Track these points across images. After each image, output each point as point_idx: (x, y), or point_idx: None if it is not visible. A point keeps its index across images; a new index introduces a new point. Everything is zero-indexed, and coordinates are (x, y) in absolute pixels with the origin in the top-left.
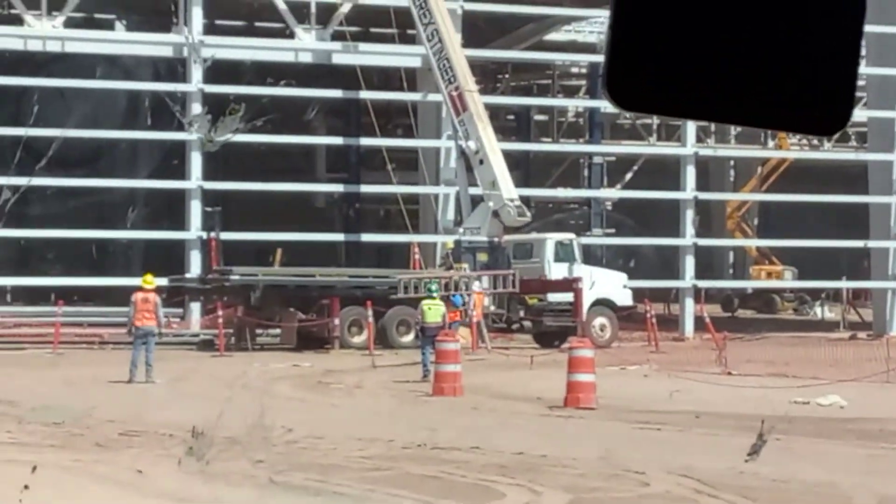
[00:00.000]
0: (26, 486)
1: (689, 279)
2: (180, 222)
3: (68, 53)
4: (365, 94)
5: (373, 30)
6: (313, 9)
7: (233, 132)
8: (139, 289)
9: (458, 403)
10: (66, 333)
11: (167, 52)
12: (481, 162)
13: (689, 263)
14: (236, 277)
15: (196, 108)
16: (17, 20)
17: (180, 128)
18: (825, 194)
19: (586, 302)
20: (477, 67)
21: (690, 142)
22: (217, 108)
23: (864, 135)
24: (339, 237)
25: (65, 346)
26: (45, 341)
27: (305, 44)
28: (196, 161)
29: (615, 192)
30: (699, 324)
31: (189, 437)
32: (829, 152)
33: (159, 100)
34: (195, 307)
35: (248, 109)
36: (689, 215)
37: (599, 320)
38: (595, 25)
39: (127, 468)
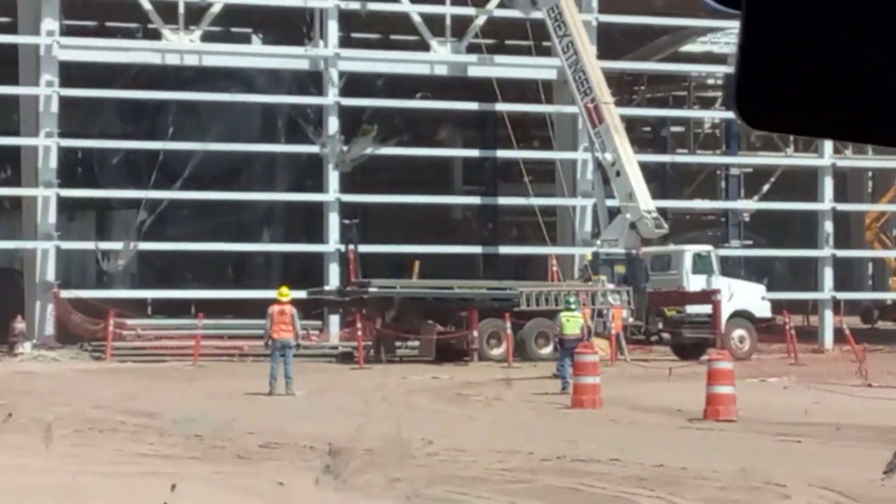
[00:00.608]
0: (174, 486)
1: (827, 291)
2: (318, 235)
3: (205, 67)
4: (501, 107)
5: (508, 42)
6: (448, 21)
7: (365, 152)
8: (275, 301)
9: (597, 415)
10: (206, 346)
11: (303, 65)
12: (618, 174)
13: (828, 275)
14: (375, 290)
15: (332, 121)
16: (155, 35)
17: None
18: None
19: (725, 314)
20: (612, 79)
21: (828, 153)
22: (353, 122)
23: None
24: (476, 249)
25: (205, 359)
26: (186, 354)
27: (441, 56)
28: (333, 174)
29: (752, 204)
30: (838, 336)
31: (327, 453)
32: None
33: (295, 114)
34: (334, 319)
35: (383, 123)
36: (828, 226)
37: (738, 332)
38: (730, 36)
39: (268, 481)
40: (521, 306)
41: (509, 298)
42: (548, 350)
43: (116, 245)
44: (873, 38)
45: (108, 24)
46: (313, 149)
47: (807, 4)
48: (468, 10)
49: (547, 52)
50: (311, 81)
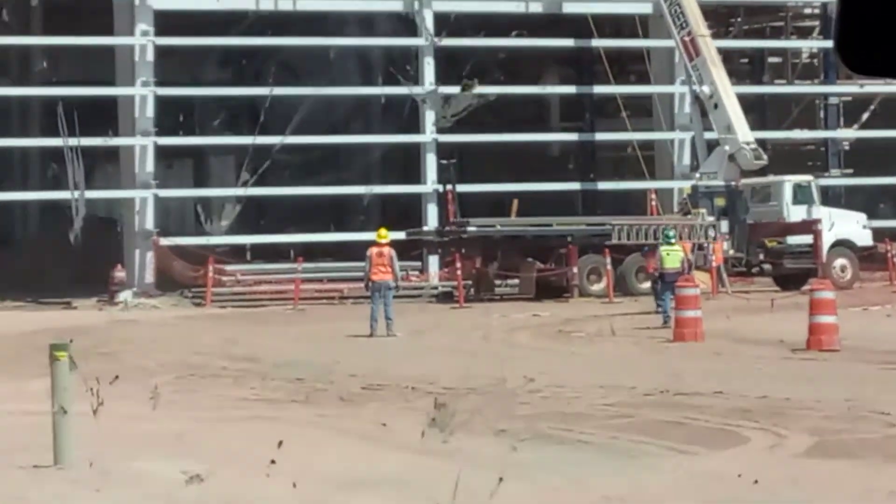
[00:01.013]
0: (280, 443)
1: None
2: (416, 176)
3: (299, 12)
4: (597, 42)
5: None
6: None
7: (466, 108)
8: (374, 243)
9: (699, 349)
10: (306, 290)
11: (397, 7)
12: (716, 106)
13: None
14: (473, 229)
15: (429, 63)
16: None
17: (414, 82)
18: None
19: (826, 243)
20: (709, 12)
21: None
22: (448, 64)
23: None
24: (574, 186)
25: (305, 303)
26: (286, 298)
27: None
28: (430, 115)
29: (851, 133)
30: None
31: (432, 406)
32: None
33: (391, 57)
34: (433, 260)
35: (478, 64)
36: None
37: (840, 261)
38: None
39: (371, 422)
40: (612, 240)
41: (608, 234)
42: (648, 284)
43: (213, 192)
44: None
45: None
46: (412, 89)
47: None
48: None
49: None
50: (405, 27)
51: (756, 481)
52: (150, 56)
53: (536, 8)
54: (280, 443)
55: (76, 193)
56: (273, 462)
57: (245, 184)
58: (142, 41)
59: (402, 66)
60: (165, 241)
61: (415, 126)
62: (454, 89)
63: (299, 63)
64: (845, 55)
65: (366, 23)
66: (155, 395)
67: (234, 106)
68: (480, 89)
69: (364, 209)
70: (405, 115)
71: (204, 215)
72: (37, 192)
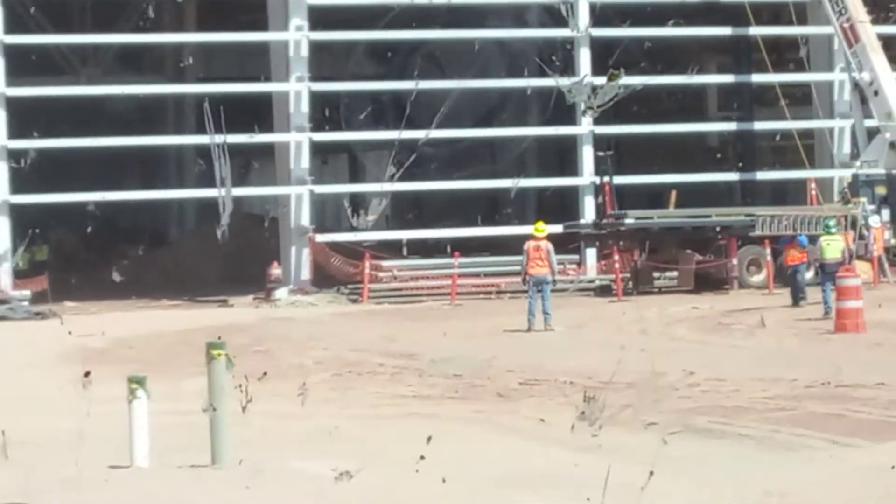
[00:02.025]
0: (429, 438)
1: None
2: (572, 169)
3: (453, 6)
4: (755, 30)
5: None
6: None
7: (612, 98)
8: (531, 237)
9: (860, 340)
10: (463, 284)
11: None
12: (876, 93)
13: None
14: (631, 221)
15: (584, 54)
16: None
17: (560, 74)
18: None
19: None
20: None
21: None
22: (604, 55)
23: None
24: (733, 176)
25: (462, 297)
26: (442, 293)
27: None
28: (590, 110)
29: None
30: None
31: (582, 400)
32: None
33: (543, 53)
34: (590, 253)
35: (634, 53)
36: None
37: None
38: None
39: (528, 418)
40: (755, 232)
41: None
42: (809, 275)
43: (368, 187)
44: None
45: None
46: (563, 82)
47: None
48: None
49: None
50: (555, 20)
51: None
52: (304, 51)
53: None
54: (429, 438)
55: (223, 190)
56: (423, 458)
57: (392, 177)
58: (297, 36)
59: (548, 57)
60: (321, 238)
61: (566, 118)
62: (601, 80)
63: (444, 55)
64: None
65: (512, 13)
66: (304, 392)
67: (381, 100)
68: (629, 79)
69: (520, 202)
70: (550, 106)
71: (350, 210)
72: (186, 189)
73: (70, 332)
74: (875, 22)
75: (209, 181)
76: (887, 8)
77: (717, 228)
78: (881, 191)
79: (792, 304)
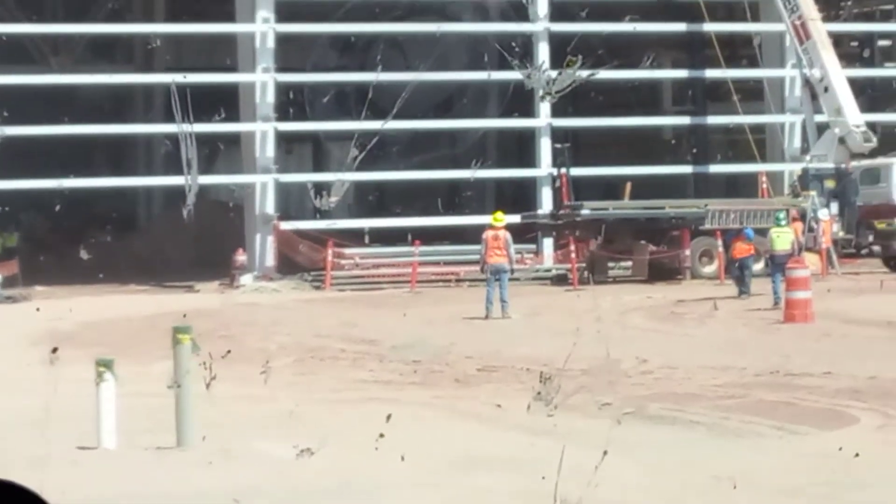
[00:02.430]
0: (389, 416)
1: None
2: (530, 161)
3: (414, 1)
4: (709, 27)
5: None
6: None
7: (570, 85)
8: (490, 226)
9: (809, 330)
10: (423, 272)
11: None
12: (826, 89)
13: None
14: (587, 212)
15: (543, 48)
16: None
17: (530, 64)
18: None
19: None
20: None
21: None
22: (560, 49)
23: None
24: (686, 169)
25: (422, 285)
26: (403, 281)
27: None
28: (544, 100)
29: None
30: None
31: (538, 381)
32: None
33: (503, 42)
34: (547, 243)
35: (590, 49)
36: None
37: None
38: None
39: (486, 403)
40: (705, 225)
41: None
42: (759, 266)
43: (331, 177)
44: None
45: None
46: (521, 76)
47: None
48: None
49: None
50: (516, 11)
51: (857, 454)
52: (270, 43)
53: None
54: (388, 416)
55: (189, 175)
56: (382, 436)
57: (354, 160)
58: (263, 28)
59: (508, 45)
60: (286, 225)
61: (525, 107)
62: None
63: (406, 43)
64: None
65: (472, 6)
66: (266, 371)
67: (344, 88)
68: (585, 70)
69: (479, 192)
70: (509, 95)
71: (314, 192)
72: (154, 176)
73: (38, 309)
74: (826, 20)
75: (177, 168)
76: (838, 6)
77: (671, 219)
78: (830, 184)
79: (737, 295)
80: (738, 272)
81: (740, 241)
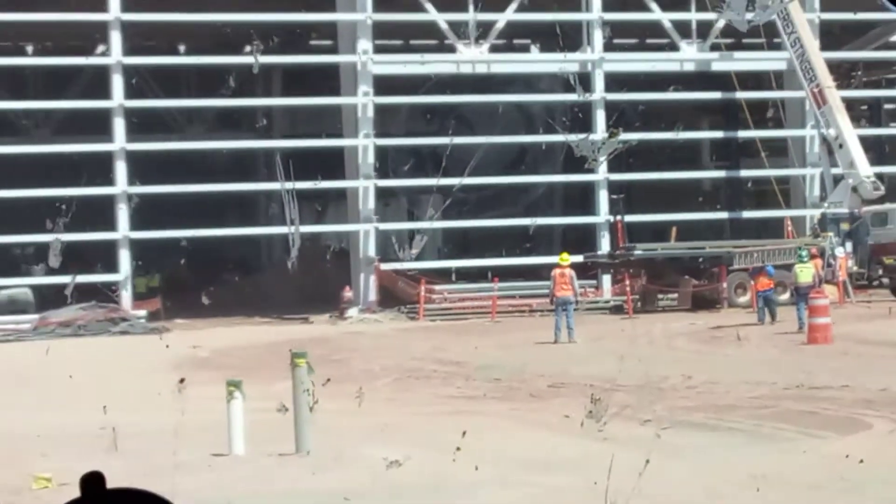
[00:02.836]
0: (464, 433)
1: None
2: (591, 208)
3: (493, 74)
4: (740, 95)
5: (744, 40)
6: (693, 25)
7: (613, 151)
8: (557, 265)
9: (829, 350)
10: (501, 305)
11: (574, 67)
12: (840, 146)
13: None
14: (639, 252)
15: (600, 114)
16: (451, 49)
17: (570, 131)
18: None
19: None
20: (833, 66)
21: None
22: (617, 112)
23: None
24: (723, 215)
25: (500, 316)
26: (484, 312)
27: (688, 55)
28: (602, 163)
29: None
30: None
31: (589, 400)
32: None
33: (567, 109)
34: (606, 278)
35: (642, 114)
36: None
37: None
38: None
39: (555, 414)
40: (734, 265)
41: (752, 254)
42: (785, 296)
43: (420, 225)
44: None
45: (412, 41)
46: (571, 139)
47: None
48: (710, 15)
49: (777, 46)
50: (561, 84)
51: (861, 461)
52: (370, 112)
53: (689, 67)
54: (464, 433)
55: (292, 228)
56: (458, 449)
57: (431, 218)
58: (364, 100)
59: (568, 115)
60: (385, 266)
61: (586, 165)
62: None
63: (473, 115)
64: None
65: (528, 80)
66: (360, 395)
67: (434, 149)
68: (628, 135)
69: (547, 236)
70: (561, 158)
71: (397, 245)
72: (269, 227)
73: (167, 346)
74: (839, 87)
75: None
76: (849, 76)
77: (701, 260)
78: (845, 227)
79: (757, 321)
80: (761, 303)
81: (762, 277)
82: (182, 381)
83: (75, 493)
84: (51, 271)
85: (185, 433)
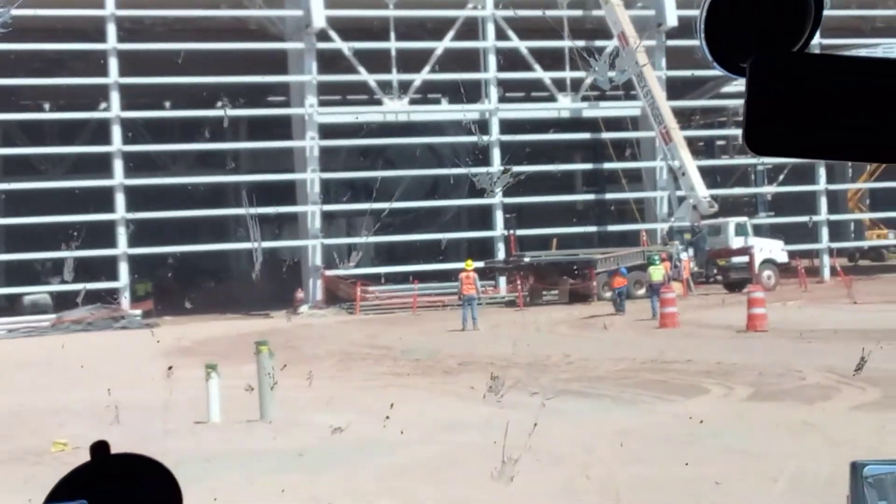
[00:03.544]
0: (392, 405)
1: (825, 242)
2: (490, 225)
3: (412, 122)
4: (605, 135)
5: (608, 93)
6: (568, 81)
7: (505, 186)
8: (463, 270)
9: (676, 332)
10: (421, 301)
11: (475, 116)
12: (683, 174)
13: (825, 232)
14: (527, 259)
15: (496, 152)
16: (379, 102)
17: (487, 165)
18: None
19: (757, 261)
20: (677, 112)
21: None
22: (510, 152)
23: None
24: (592, 229)
25: (420, 310)
26: (407, 307)
27: (564, 105)
28: (498, 192)
29: (772, 189)
30: (833, 271)
31: (491, 373)
32: None
33: (470, 149)
34: (502, 280)
35: (529, 150)
36: (824, 200)
37: (766, 272)
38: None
39: (464, 386)
40: (596, 268)
41: (614, 259)
42: (642, 291)
43: (356, 240)
44: (853, 94)
45: (349, 96)
46: (484, 169)
47: (796, 73)
48: (581, 74)
49: (634, 97)
50: (462, 129)
51: (694, 425)
52: (315, 152)
53: (566, 114)
54: (392, 405)
55: (255, 245)
56: (388, 417)
57: (365, 235)
58: (311, 143)
59: (464, 156)
60: (329, 272)
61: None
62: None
63: (397, 155)
64: (751, 143)
65: (440, 126)
66: (310, 376)
67: (355, 185)
68: (518, 168)
69: (456, 247)
70: (466, 188)
71: (338, 258)
72: (238, 243)
73: (158, 341)
74: (682, 128)
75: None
76: (689, 118)
77: (575, 264)
78: (687, 237)
79: (615, 312)
80: (615, 296)
81: (618, 276)
82: (170, 368)
83: (87, 457)
84: (65, 281)
85: (173, 406)
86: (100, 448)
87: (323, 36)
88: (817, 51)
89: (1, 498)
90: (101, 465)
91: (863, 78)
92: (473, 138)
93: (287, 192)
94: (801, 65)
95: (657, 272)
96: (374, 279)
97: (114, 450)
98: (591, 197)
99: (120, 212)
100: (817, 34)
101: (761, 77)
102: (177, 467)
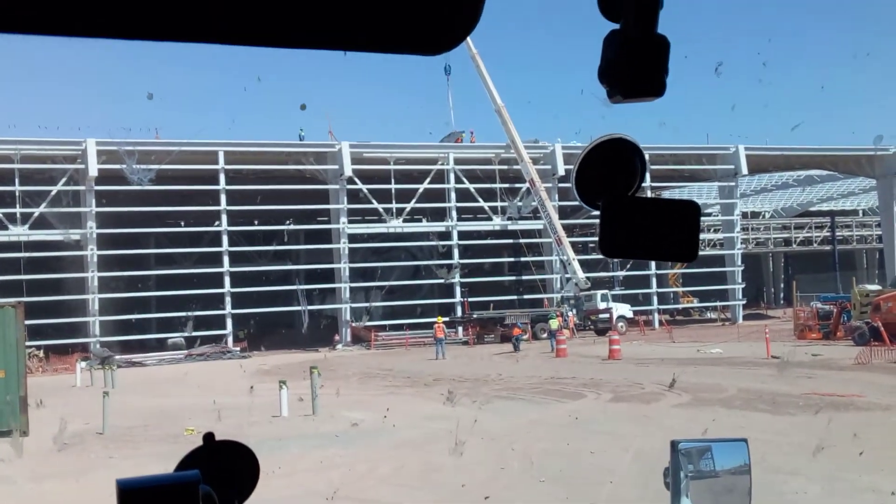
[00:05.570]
0: (388, 409)
1: (655, 305)
2: (452, 295)
3: (405, 232)
4: (522, 240)
5: (524, 215)
6: (499, 208)
7: (454, 276)
8: (436, 322)
9: (566, 361)
10: (412, 341)
11: (442, 229)
12: (569, 264)
13: (655, 299)
14: (476, 315)
15: (456, 253)
16: (384, 221)
17: (443, 259)
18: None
19: (615, 316)
20: (567, 227)
21: None
22: (463, 251)
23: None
24: (514, 297)
25: (412, 346)
26: (401, 344)
27: (496, 222)
28: (456, 273)
29: (623, 273)
30: (660, 323)
31: (447, 392)
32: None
33: (439, 249)
34: (460, 328)
35: (475, 251)
36: (654, 279)
37: (620, 323)
38: None
39: (438, 393)
40: (506, 321)
41: (527, 316)
42: (545, 335)
43: (371, 304)
44: (661, 220)
45: (366, 217)
46: (442, 262)
47: (629, 207)
48: (505, 203)
49: (539, 217)
50: (443, 237)
51: (576, 417)
52: (345, 252)
53: (495, 227)
54: (387, 409)
55: (304, 308)
56: (385, 417)
57: (375, 300)
58: (343, 247)
59: (436, 253)
60: (355, 324)
61: (453, 276)
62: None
63: (394, 252)
64: (604, 250)
65: (422, 235)
66: (339, 391)
67: (368, 271)
68: (465, 260)
69: (431, 309)
70: (446, 275)
71: (360, 315)
72: (295, 307)
73: (243, 369)
74: (569, 235)
75: (309, 301)
76: (573, 231)
77: (505, 319)
78: (572, 302)
79: (514, 350)
80: (514, 341)
81: (516, 328)
82: (252, 387)
83: (201, 442)
84: (193, 329)
85: (256, 407)
86: (208, 436)
87: (350, 181)
88: (648, 192)
89: (153, 464)
90: (208, 447)
91: (666, 211)
92: (441, 243)
93: (328, 276)
94: (632, 203)
95: (554, 323)
96: (382, 328)
97: (217, 437)
98: (513, 277)
99: (226, 287)
100: (646, 181)
101: (610, 210)
102: (259, 445)
